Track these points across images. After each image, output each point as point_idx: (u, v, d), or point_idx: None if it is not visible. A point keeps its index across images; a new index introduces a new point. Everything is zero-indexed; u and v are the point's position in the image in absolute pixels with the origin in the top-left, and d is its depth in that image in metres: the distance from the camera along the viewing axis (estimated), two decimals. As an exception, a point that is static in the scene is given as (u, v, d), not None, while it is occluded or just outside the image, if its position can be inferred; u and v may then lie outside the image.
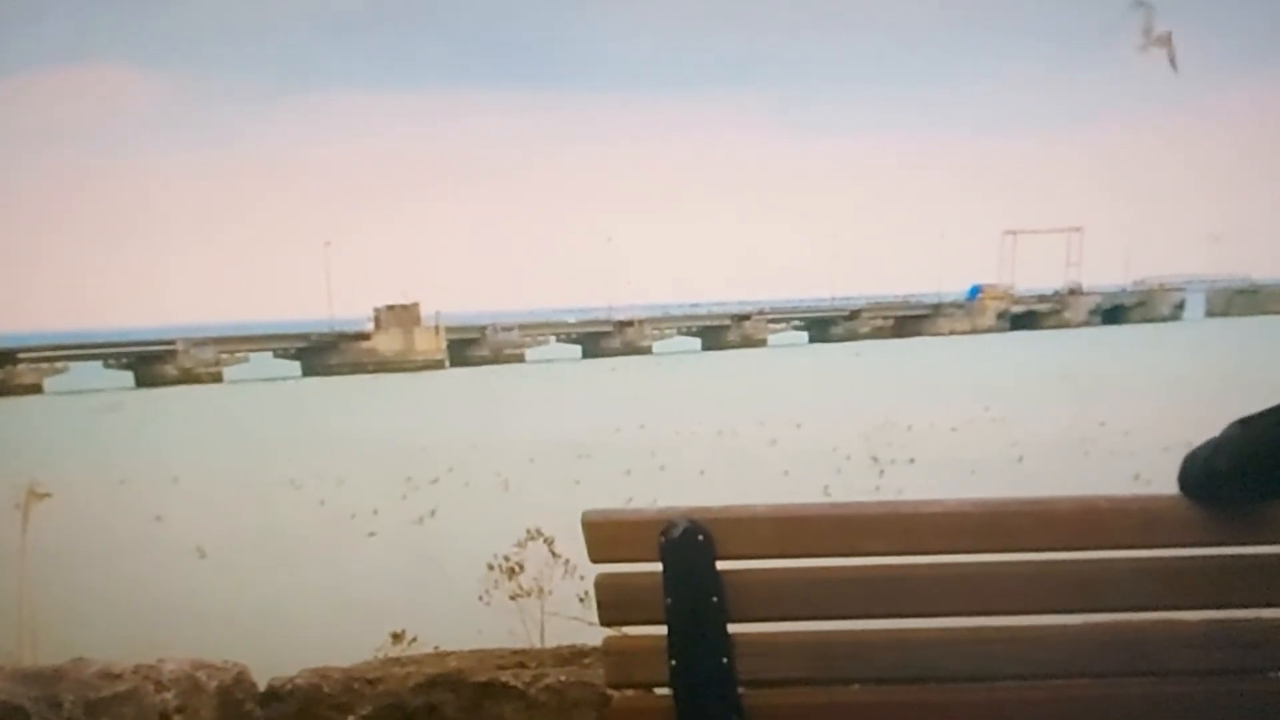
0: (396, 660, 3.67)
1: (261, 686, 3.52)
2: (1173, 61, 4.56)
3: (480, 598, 4.43)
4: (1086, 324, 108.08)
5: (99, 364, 76.81)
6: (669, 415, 40.11)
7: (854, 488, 22.75)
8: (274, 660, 3.62)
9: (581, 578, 2.87)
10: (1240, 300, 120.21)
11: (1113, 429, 30.79)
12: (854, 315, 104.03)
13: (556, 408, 47.44)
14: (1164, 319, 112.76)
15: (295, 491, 28.17)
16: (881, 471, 26.62)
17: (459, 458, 31.24)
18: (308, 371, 79.75)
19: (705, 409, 42.53)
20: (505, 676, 3.34)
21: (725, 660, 2.35)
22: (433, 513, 24.08)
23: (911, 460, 28.35)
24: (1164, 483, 2.35)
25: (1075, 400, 38.22)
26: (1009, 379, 51.16)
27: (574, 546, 2.43)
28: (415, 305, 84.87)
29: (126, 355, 78.75)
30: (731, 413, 40.49)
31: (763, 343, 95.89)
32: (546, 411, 45.53)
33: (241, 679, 3.49)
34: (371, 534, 22.56)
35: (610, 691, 2.63)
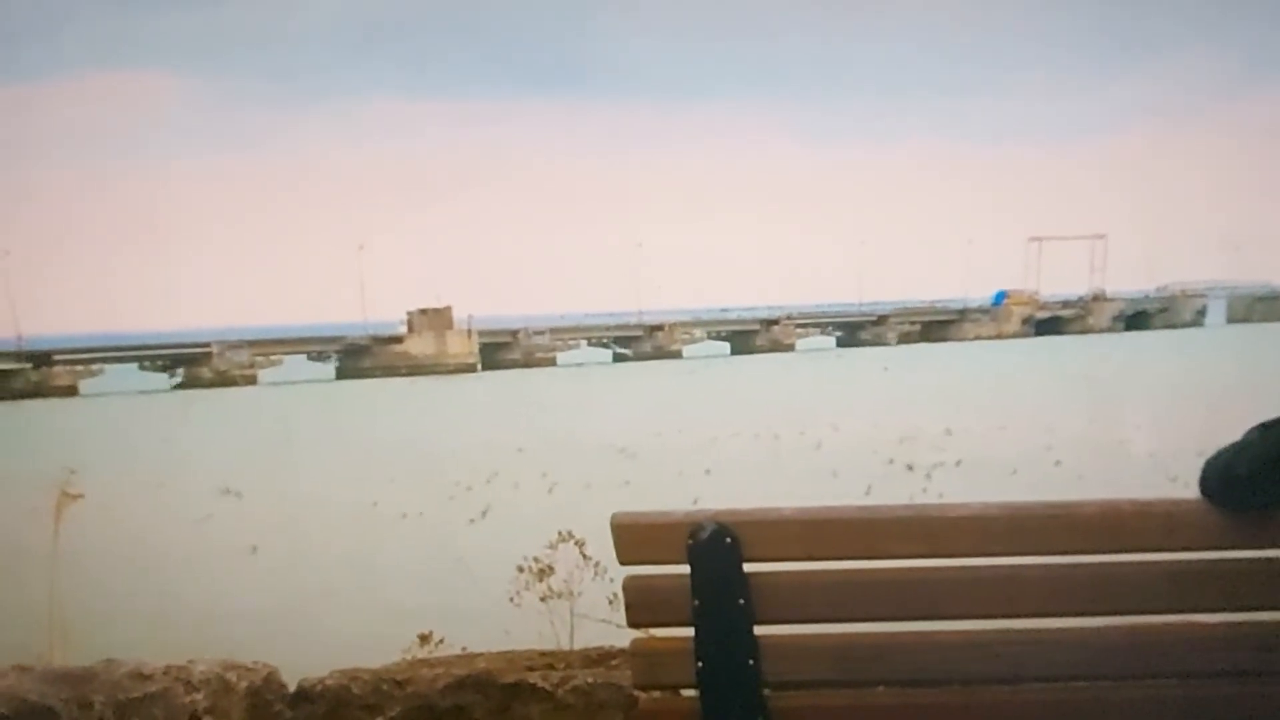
0: (425, 661, 3.69)
1: (292, 688, 3.54)
2: None
3: (510, 599, 4.46)
4: (1110, 329, 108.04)
5: (134, 366, 77.40)
6: (705, 418, 40.23)
7: (896, 490, 22.67)
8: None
9: (611, 580, 2.89)
10: (1261, 306, 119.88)
11: (1148, 431, 30.70)
12: (881, 320, 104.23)
13: (595, 411, 47.71)
14: (1186, 324, 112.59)
15: (344, 492, 28.22)
16: (928, 475, 26.57)
17: (504, 460, 31.29)
18: (341, 374, 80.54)
19: (743, 412, 42.59)
20: (533, 678, 3.36)
21: (751, 662, 2.37)
22: (484, 513, 24.10)
23: (958, 462, 28.36)
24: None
25: (1103, 402, 38.25)
26: (1040, 383, 51.19)
27: (606, 549, 2.46)
28: (448, 309, 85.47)
29: (162, 358, 79.43)
30: (768, 415, 40.45)
31: (791, 347, 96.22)
32: (585, 414, 45.71)
33: (271, 680, 3.51)
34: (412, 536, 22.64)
35: (637, 693, 2.64)
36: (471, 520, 23.68)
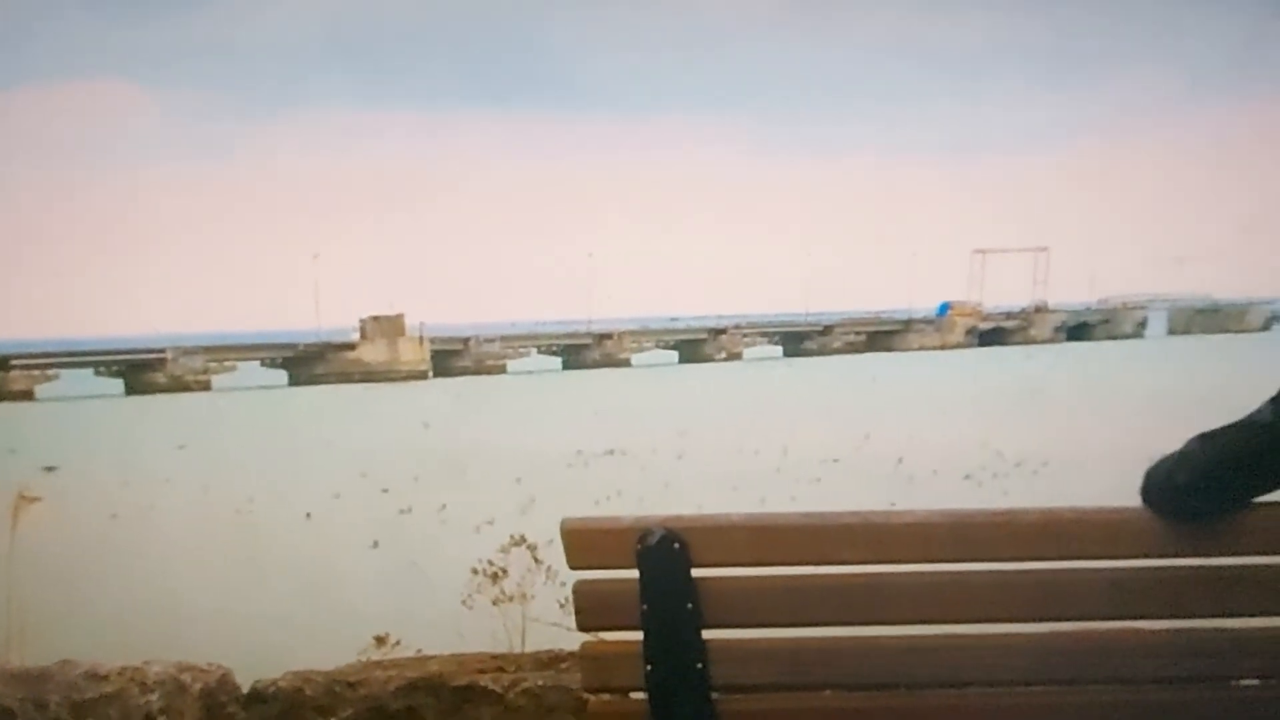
0: (378, 664, 3.71)
1: (245, 689, 3.58)
2: None
3: (463, 602, 4.48)
4: (1052, 340, 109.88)
5: (89, 371, 77.41)
6: (659, 427, 40.32)
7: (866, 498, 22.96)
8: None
9: (563, 584, 2.91)
10: (1201, 319, 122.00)
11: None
12: (827, 330, 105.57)
13: (548, 419, 47.67)
14: (1127, 336, 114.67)
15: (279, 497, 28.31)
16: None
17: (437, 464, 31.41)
18: (294, 381, 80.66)
19: (700, 420, 43.00)
20: (485, 680, 3.39)
21: (700, 666, 2.39)
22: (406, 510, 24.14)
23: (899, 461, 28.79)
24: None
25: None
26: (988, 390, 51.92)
27: (558, 553, 2.48)
28: (400, 316, 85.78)
29: (117, 363, 79.47)
30: (726, 422, 41.02)
31: (739, 356, 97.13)
32: (536, 423, 45.68)
33: (225, 681, 3.55)
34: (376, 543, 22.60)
35: (587, 696, 2.65)
36: (401, 511, 24.10)
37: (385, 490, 28.29)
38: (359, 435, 42.69)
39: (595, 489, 24.12)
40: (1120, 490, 2.43)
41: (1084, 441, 29.57)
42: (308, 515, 25.48)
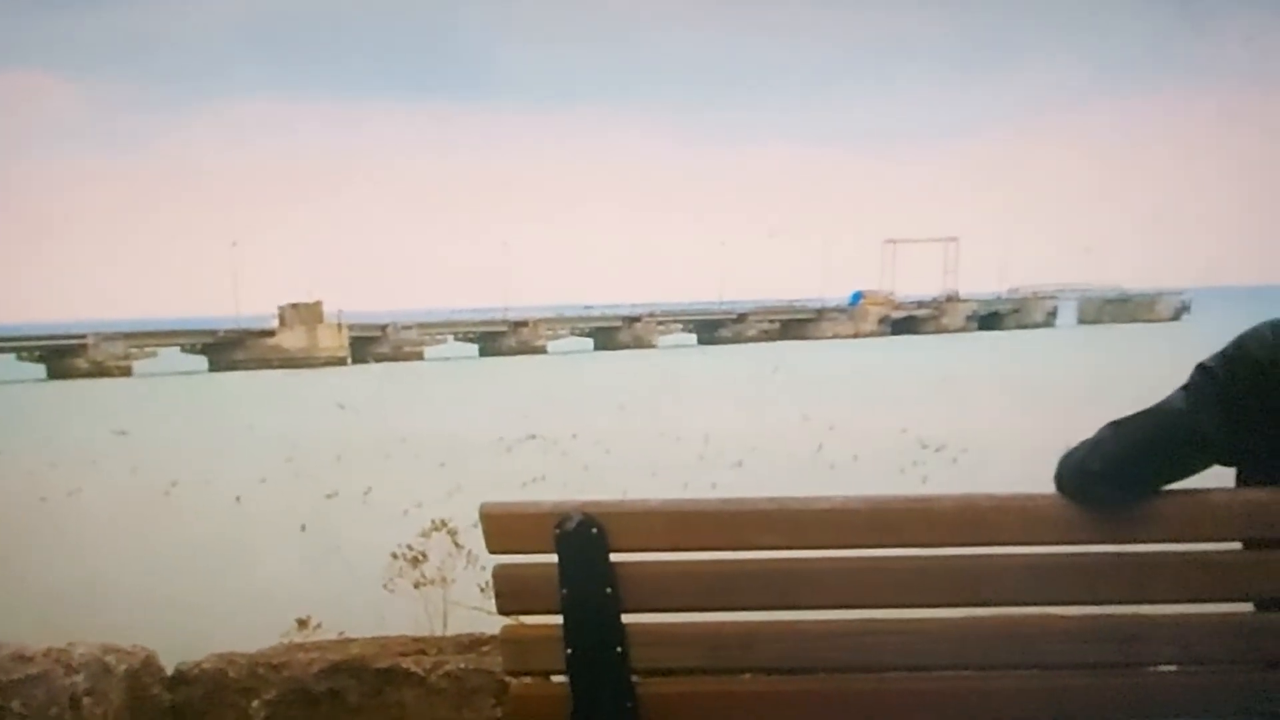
0: (300, 646, 3.73)
1: (169, 671, 3.60)
2: None
3: (385, 585, 4.46)
4: (964, 329, 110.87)
5: (12, 356, 77.48)
6: (578, 413, 40.33)
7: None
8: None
9: (483, 568, 2.91)
10: (1110, 308, 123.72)
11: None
12: (741, 319, 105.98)
13: (468, 405, 47.51)
14: (1038, 325, 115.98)
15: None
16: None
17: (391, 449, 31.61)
18: (214, 367, 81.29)
19: (619, 406, 43.22)
20: (406, 663, 3.41)
21: (619, 649, 2.40)
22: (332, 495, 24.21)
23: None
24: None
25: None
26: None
27: (479, 538, 2.47)
28: (318, 304, 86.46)
29: (39, 348, 79.72)
30: (645, 408, 41.38)
31: (653, 344, 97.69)
32: (457, 409, 45.63)
33: (149, 663, 3.57)
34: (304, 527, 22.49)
35: (508, 679, 2.67)
36: (328, 495, 24.03)
37: (310, 475, 28.17)
38: (282, 420, 42.52)
39: (519, 474, 24.06)
40: (1038, 477, 2.46)
41: (1002, 428, 29.84)
42: (237, 499, 25.40)
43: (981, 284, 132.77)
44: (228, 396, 59.21)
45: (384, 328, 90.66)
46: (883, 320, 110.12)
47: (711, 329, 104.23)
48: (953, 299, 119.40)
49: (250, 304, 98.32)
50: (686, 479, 21.92)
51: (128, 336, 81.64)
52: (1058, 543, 2.35)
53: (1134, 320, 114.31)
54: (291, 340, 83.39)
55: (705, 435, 32.25)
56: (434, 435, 34.13)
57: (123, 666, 3.49)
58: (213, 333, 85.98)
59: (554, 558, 2.39)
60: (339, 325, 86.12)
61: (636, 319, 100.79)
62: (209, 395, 61.66)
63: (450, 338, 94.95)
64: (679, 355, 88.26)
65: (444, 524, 4.47)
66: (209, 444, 36.08)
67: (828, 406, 39.12)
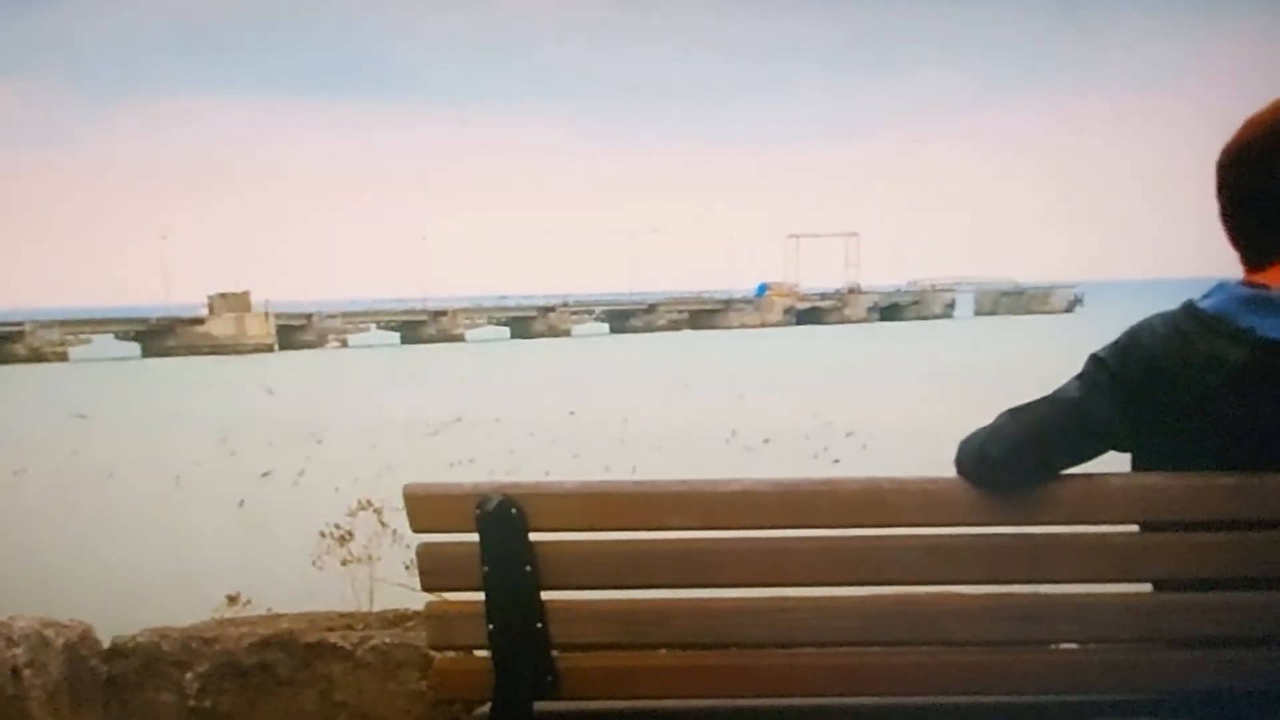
0: (232, 621, 3.84)
1: (106, 644, 3.72)
2: None
3: (314, 563, 4.51)
4: (866, 320, 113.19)
5: None
6: (499, 399, 40.93)
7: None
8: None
9: (408, 546, 2.98)
10: (1006, 301, 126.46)
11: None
12: (651, 309, 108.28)
13: (393, 390, 47.99)
14: (937, 317, 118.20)
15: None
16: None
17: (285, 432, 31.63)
18: (146, 353, 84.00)
19: (539, 391, 43.94)
20: (334, 638, 3.51)
21: (539, 625, 2.46)
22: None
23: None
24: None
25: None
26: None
27: (404, 517, 2.54)
28: (246, 293, 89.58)
29: None
30: (563, 393, 41.61)
31: (567, 333, 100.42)
32: (383, 393, 46.04)
33: (87, 636, 3.70)
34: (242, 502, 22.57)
35: (432, 653, 2.73)
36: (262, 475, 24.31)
37: (244, 456, 28.14)
38: (214, 404, 42.91)
39: (446, 455, 24.26)
40: (942, 460, 2.54)
41: (907, 414, 30.28)
42: (177, 479, 25.50)
43: (882, 277, 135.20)
44: (161, 381, 60.09)
45: (309, 316, 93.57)
46: (788, 311, 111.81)
47: (623, 319, 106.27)
48: (855, 291, 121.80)
49: (180, 294, 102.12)
50: (608, 462, 22.11)
51: (63, 324, 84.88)
52: (958, 524, 2.42)
53: (1029, 312, 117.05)
54: (221, 328, 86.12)
55: (624, 419, 32.41)
56: (362, 419, 34.16)
57: (61, 640, 3.61)
58: (145, 320, 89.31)
59: (475, 537, 2.45)
60: (266, 314, 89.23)
61: (551, 309, 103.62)
62: (143, 380, 62.54)
63: (373, 326, 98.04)
64: (592, 343, 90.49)
65: (370, 503, 4.53)
66: (146, 426, 36.23)
67: (740, 392, 39.46)
